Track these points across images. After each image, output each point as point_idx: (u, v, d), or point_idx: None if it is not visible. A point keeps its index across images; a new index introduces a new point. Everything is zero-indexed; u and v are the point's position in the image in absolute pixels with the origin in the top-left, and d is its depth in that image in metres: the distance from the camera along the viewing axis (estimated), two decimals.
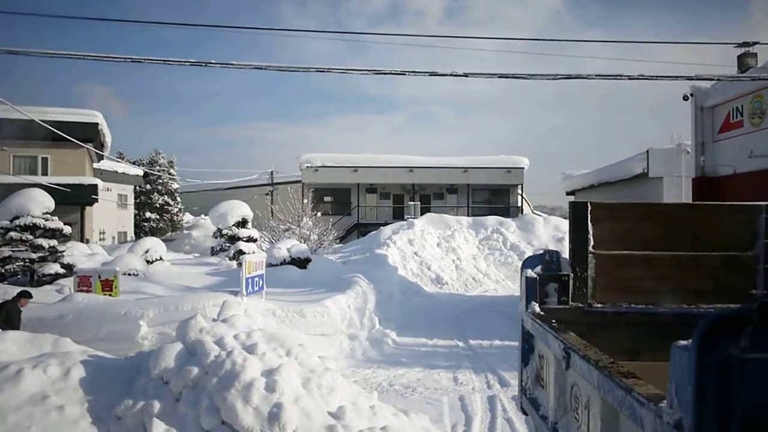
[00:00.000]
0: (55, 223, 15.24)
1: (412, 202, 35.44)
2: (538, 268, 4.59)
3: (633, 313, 4.58)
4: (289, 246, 18.04)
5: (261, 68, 12.64)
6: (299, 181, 37.95)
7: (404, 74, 12.62)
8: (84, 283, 12.19)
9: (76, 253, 15.84)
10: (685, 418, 1.90)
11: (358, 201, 38.47)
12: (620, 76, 12.31)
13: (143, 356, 7.58)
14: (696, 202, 5.29)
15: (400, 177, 37.66)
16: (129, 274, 14.89)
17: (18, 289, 10.62)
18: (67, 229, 15.72)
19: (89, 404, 6.89)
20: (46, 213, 15.24)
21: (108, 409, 6.91)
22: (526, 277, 4.47)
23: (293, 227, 23.23)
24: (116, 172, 36.88)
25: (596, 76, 12.36)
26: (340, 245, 27.63)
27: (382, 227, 28.01)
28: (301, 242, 20.95)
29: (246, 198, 32.17)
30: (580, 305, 4.56)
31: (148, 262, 16.51)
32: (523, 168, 38.65)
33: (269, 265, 17.05)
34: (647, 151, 25.10)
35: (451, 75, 12.70)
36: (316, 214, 24.99)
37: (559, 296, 4.52)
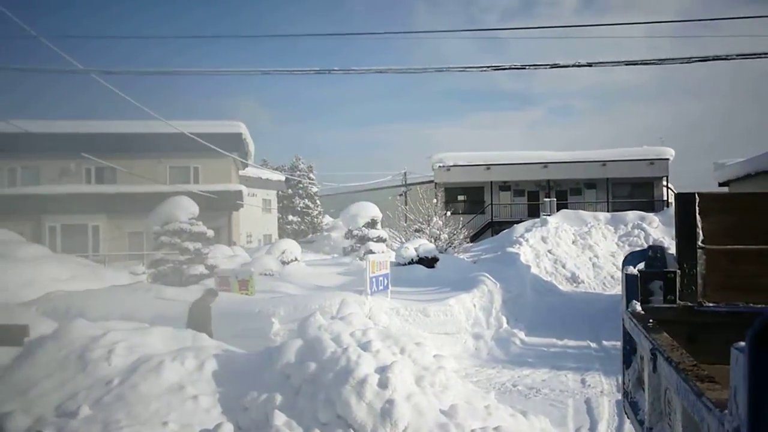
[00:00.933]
0: (200, 227, 16.50)
1: (548, 199, 34.43)
2: (641, 265, 4.35)
3: (752, 314, 4.21)
4: (417, 245, 18.24)
5: (381, 71, 12.94)
6: (432, 182, 38.17)
7: (524, 68, 12.37)
8: (223, 283, 13.10)
9: (218, 255, 17.07)
10: (742, 425, 1.77)
11: (492, 199, 37.99)
12: (764, 54, 11.25)
13: (269, 351, 8.03)
14: None
15: (534, 173, 36.74)
16: (265, 275, 15.79)
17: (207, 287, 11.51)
18: (210, 233, 16.97)
19: (220, 395, 7.43)
20: (192, 218, 16.56)
21: (236, 399, 7.41)
22: (627, 275, 4.25)
23: (423, 227, 23.44)
24: (260, 178, 39.12)
25: (737, 56, 11.38)
26: (472, 244, 27.46)
27: (515, 225, 27.52)
28: (431, 241, 21.10)
29: (380, 199, 32.93)
30: (689, 304, 4.26)
31: (283, 262, 17.41)
32: (668, 159, 36.27)
33: (397, 264, 17.36)
34: None
35: (574, 65, 12.27)
36: (446, 214, 25.03)
37: (665, 295, 4.25)
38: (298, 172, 45.60)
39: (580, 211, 28.34)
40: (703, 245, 4.28)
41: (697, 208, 4.28)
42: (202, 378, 7.60)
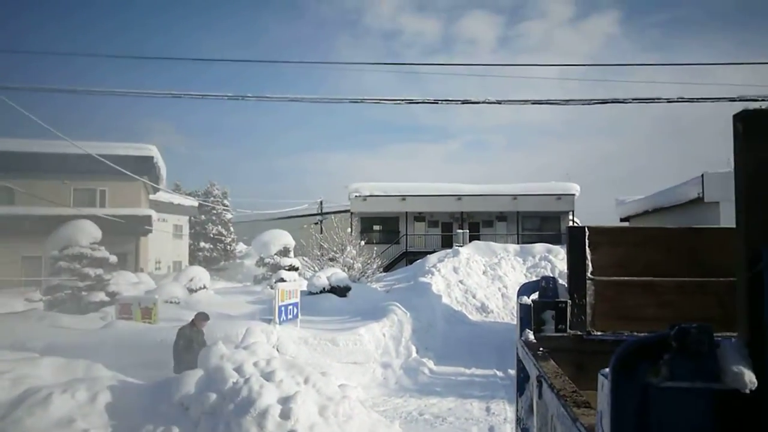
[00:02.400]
0: (102, 252, 15.83)
1: (461, 230, 35.21)
2: (535, 295, 4.49)
3: None
4: (329, 274, 18.17)
5: (296, 100, 12.93)
6: (348, 211, 38.28)
7: (437, 102, 12.69)
8: (125, 310, 12.56)
9: (121, 282, 16.38)
10: None
11: (407, 229, 38.47)
12: (658, 99, 12.04)
13: (168, 382, 7.73)
14: (700, 226, 5.08)
15: (448, 205, 37.54)
16: (170, 302, 15.27)
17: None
18: (113, 259, 16.30)
19: (113, 428, 7.06)
20: (93, 243, 15.86)
21: None
22: (521, 304, 4.37)
23: (337, 256, 23.39)
24: (172, 203, 38.04)
25: (633, 99, 12.11)
26: (385, 274, 27.61)
27: (428, 255, 27.90)
28: (345, 271, 21.06)
29: (296, 227, 32.65)
30: (579, 333, 4.42)
31: (191, 290, 16.91)
32: (573, 195, 37.97)
33: (309, 293, 17.21)
34: (702, 176, 24.35)
35: (484, 102, 12.68)
36: (360, 243, 25.10)
37: (557, 324, 4.39)
38: (212, 198, 44.65)
39: (491, 243, 29.07)
40: (592, 276, 4.46)
41: (587, 240, 4.46)
42: (95, 411, 7.21)
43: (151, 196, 33.80)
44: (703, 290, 4.41)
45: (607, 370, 1.88)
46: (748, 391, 1.59)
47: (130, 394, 7.66)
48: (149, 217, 28.33)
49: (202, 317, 10.27)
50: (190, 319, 10.24)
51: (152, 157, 28.97)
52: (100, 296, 15.38)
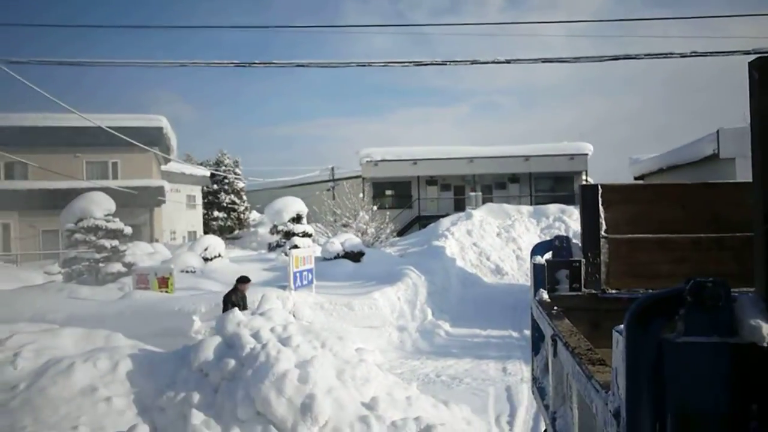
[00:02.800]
0: (117, 224, 15.94)
1: (473, 193, 35.06)
2: (548, 255, 4.48)
3: None
4: (342, 240, 18.22)
5: (303, 65, 12.81)
6: (360, 176, 38.22)
7: (445, 64, 12.52)
8: (142, 280, 12.70)
9: (137, 252, 16.54)
10: (621, 406, 1.82)
11: (419, 194, 38.40)
12: (671, 54, 11.81)
13: (186, 349, 7.83)
14: (715, 182, 5.02)
15: (460, 168, 37.35)
16: (186, 272, 15.41)
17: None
18: (128, 230, 16.42)
19: (135, 395, 7.20)
20: (108, 215, 15.96)
21: (152, 400, 7.20)
22: (534, 264, 4.37)
23: (350, 221, 23.44)
24: (183, 173, 38.11)
25: (645, 55, 11.89)
26: (399, 238, 27.67)
27: (441, 219, 27.89)
28: (358, 236, 21.12)
29: (308, 194, 32.69)
30: (593, 292, 4.42)
31: (206, 259, 17.04)
32: (587, 154, 37.61)
33: (323, 259, 17.29)
34: (717, 131, 23.98)
35: (493, 62, 12.50)
36: (372, 208, 25.11)
37: (571, 283, 4.39)
38: (224, 168, 44.63)
39: (504, 205, 28.99)
40: (606, 234, 4.44)
41: (600, 198, 4.43)
42: (116, 379, 7.34)
43: (163, 167, 33.89)
44: (719, 246, 4.37)
45: (621, 326, 1.87)
46: (766, 344, 1.57)
47: (150, 361, 7.79)
48: (162, 188, 28.45)
49: (244, 280, 10.35)
50: (233, 285, 10.33)
51: (162, 128, 28.96)
52: (117, 267, 15.54)
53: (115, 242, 15.77)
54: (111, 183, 25.46)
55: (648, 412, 1.70)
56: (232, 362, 7.05)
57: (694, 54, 11.64)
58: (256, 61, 12.35)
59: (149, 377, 7.46)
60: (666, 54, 11.80)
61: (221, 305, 10.12)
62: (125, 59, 13.18)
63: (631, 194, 4.47)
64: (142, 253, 16.82)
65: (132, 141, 20.28)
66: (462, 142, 57.25)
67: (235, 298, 10.02)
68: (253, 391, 6.67)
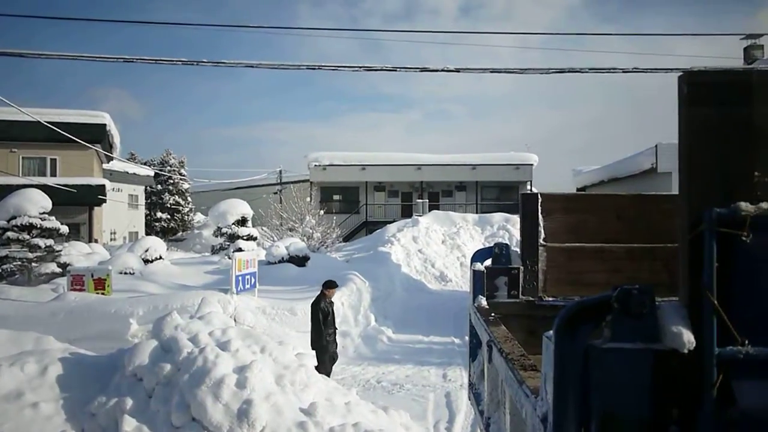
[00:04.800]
0: (52, 222, 15.37)
1: (421, 200, 35.31)
2: (488, 262, 4.52)
3: None
4: (288, 244, 18.06)
5: (252, 66, 12.63)
6: (308, 180, 38.02)
7: (395, 70, 12.55)
8: (77, 281, 12.27)
9: (73, 253, 15.98)
10: (549, 411, 1.83)
11: (367, 199, 38.44)
12: (614, 69, 12.13)
13: (121, 353, 7.59)
14: (649, 193, 5.19)
15: (408, 175, 37.59)
16: (125, 273, 14.98)
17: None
18: (64, 229, 15.86)
19: (64, 401, 6.93)
20: (43, 213, 15.38)
21: (83, 406, 6.94)
22: (474, 271, 4.40)
23: (296, 226, 23.25)
24: (126, 172, 37.17)
25: (589, 69, 12.17)
26: (345, 243, 27.61)
27: (387, 225, 27.95)
28: (304, 240, 20.96)
29: (255, 197, 32.30)
30: (531, 299, 4.47)
31: (146, 261, 16.60)
32: (531, 165, 38.40)
33: (267, 263, 17.09)
34: (656, 146, 24.78)
35: (443, 70, 12.59)
36: (319, 213, 24.99)
37: (509, 290, 4.44)
38: (169, 168, 43.76)
39: (450, 213, 29.24)
40: (544, 243, 4.50)
41: (540, 207, 4.49)
42: (45, 384, 7.05)
43: (105, 165, 32.94)
44: (651, 256, 4.50)
45: (551, 332, 1.88)
46: (686, 351, 1.61)
47: (82, 366, 7.52)
48: (103, 187, 27.61)
49: (332, 285, 9.94)
50: (320, 291, 9.89)
51: (105, 125, 28.13)
52: (52, 267, 14.97)
53: (50, 242, 15.19)
54: (49, 180, 24.56)
55: (574, 417, 1.72)
56: (167, 367, 6.87)
57: (636, 70, 11.98)
58: (205, 60, 12.12)
59: (80, 382, 7.19)
60: (609, 69, 12.13)
61: (311, 313, 9.68)
62: (67, 52, 12.78)
63: (569, 204, 4.56)
64: (78, 254, 16.26)
65: (72, 137, 19.62)
66: (413, 149, 57.66)
67: (324, 305, 9.59)
68: (189, 396, 6.51)
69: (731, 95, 1.70)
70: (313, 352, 9.45)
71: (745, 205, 1.62)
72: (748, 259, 1.64)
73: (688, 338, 1.63)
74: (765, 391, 1.57)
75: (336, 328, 9.94)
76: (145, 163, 44.25)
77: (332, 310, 9.87)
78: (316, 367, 8.55)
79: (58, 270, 14.91)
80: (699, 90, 1.71)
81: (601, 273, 4.51)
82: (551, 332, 1.88)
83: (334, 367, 9.85)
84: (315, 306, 9.64)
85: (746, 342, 1.61)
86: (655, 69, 12.12)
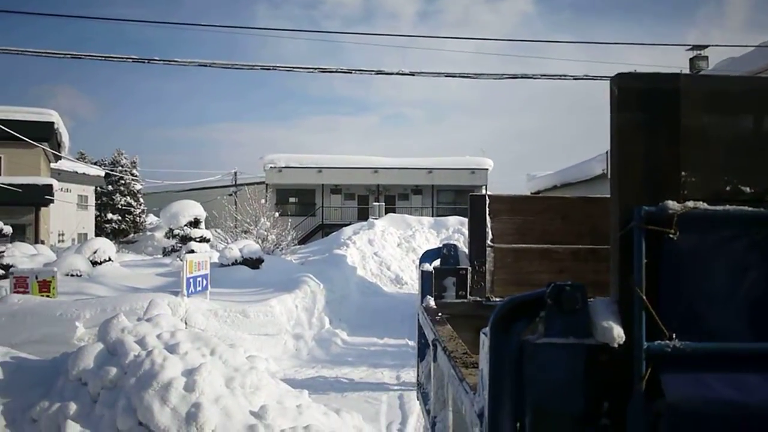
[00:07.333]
0: None
1: (377, 203, 35.40)
2: (437, 262, 4.56)
3: None
4: (241, 246, 17.86)
5: (205, 65, 12.51)
6: (263, 182, 37.70)
7: (350, 72, 12.58)
8: (20, 284, 11.89)
9: (17, 254, 15.48)
10: (485, 406, 1.85)
11: (323, 202, 38.33)
12: (565, 75, 12.40)
13: (65, 357, 7.38)
14: (594, 196, 5.32)
15: (364, 178, 37.63)
16: (72, 275, 14.59)
17: None
18: (8, 230, 15.38)
19: (3, 407, 6.69)
20: None
21: (24, 411, 6.72)
22: (423, 271, 4.44)
23: (251, 228, 23.02)
24: (76, 172, 36.19)
25: (541, 75, 12.42)
26: (301, 246, 27.47)
27: (343, 228, 27.92)
28: (258, 243, 20.75)
29: (209, 199, 31.85)
30: (479, 299, 4.53)
31: (95, 263, 16.19)
32: (487, 169, 38.89)
33: (220, 265, 16.87)
34: (606, 152, 25.28)
35: (398, 74, 12.68)
36: (274, 215, 24.80)
37: (457, 290, 4.48)
38: (120, 168, 42.80)
39: (406, 216, 29.40)
40: (492, 244, 4.56)
41: (487, 209, 4.55)
42: None
43: (53, 165, 32.03)
44: (595, 256, 4.60)
45: (487, 328, 1.91)
46: (616, 345, 1.65)
47: (24, 370, 7.29)
48: (50, 187, 26.85)
49: None
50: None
51: (53, 123, 27.39)
52: None
53: None
54: None
55: (509, 411, 1.74)
56: (113, 370, 6.70)
57: (587, 77, 12.27)
58: (156, 58, 11.96)
59: (21, 387, 6.97)
60: (561, 75, 12.38)
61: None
62: (13, 46, 12.40)
63: (516, 205, 4.64)
64: (22, 255, 15.75)
65: (18, 135, 19.07)
66: (371, 152, 57.75)
67: None
68: (135, 400, 6.37)
69: (660, 98, 1.75)
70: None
71: (672, 204, 1.68)
72: (676, 256, 1.69)
73: (618, 333, 1.67)
74: (691, 383, 1.62)
75: None
76: (95, 163, 43.17)
77: None
78: None
79: (1, 272, 14.42)
80: (629, 93, 1.77)
81: (547, 273, 4.60)
82: (487, 328, 1.91)
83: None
84: None
85: (674, 336, 1.65)
86: (605, 77, 12.41)
